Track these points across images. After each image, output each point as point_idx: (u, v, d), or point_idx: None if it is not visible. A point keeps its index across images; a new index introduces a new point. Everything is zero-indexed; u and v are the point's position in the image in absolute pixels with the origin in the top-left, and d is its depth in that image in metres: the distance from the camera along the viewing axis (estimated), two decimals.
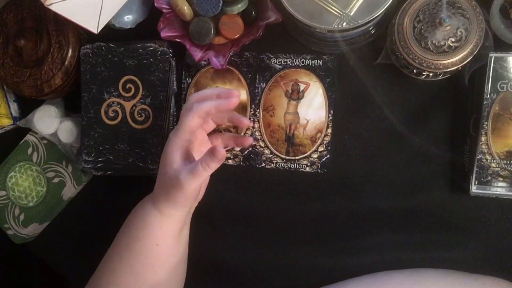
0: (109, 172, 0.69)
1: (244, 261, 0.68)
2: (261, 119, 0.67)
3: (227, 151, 0.67)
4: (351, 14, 0.56)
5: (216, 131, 0.67)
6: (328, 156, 0.65)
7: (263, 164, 0.67)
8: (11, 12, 0.70)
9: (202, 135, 0.62)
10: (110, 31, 0.70)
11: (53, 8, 0.60)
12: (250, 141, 0.61)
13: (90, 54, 0.68)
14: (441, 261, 0.62)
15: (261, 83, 0.67)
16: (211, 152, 0.51)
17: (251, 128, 0.67)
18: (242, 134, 0.68)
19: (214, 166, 0.52)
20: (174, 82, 0.69)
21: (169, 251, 0.58)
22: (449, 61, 0.56)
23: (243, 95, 0.68)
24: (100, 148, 0.68)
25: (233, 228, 0.69)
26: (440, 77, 0.62)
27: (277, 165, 0.67)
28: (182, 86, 0.70)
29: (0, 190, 0.75)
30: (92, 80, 0.68)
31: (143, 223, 0.58)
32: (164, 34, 0.65)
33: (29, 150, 0.74)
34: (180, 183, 0.53)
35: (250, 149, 0.68)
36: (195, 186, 0.54)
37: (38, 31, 0.69)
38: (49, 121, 0.71)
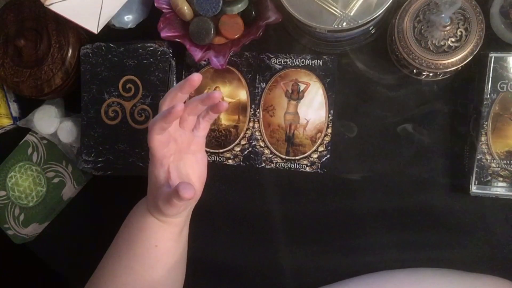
0: (109, 172, 0.69)
1: (244, 261, 0.68)
2: (261, 119, 0.67)
3: (227, 150, 0.67)
4: (351, 14, 0.56)
5: (208, 137, 0.66)
6: (328, 156, 0.65)
7: (263, 164, 0.67)
8: (11, 12, 0.70)
9: (185, 134, 0.56)
10: (110, 31, 0.70)
11: (53, 8, 0.60)
12: (218, 95, 0.52)
13: (90, 54, 0.68)
14: (441, 261, 0.62)
15: (261, 83, 0.67)
16: (175, 194, 0.48)
17: (251, 128, 0.67)
18: (242, 133, 0.68)
19: (187, 203, 0.51)
20: (174, 82, 0.69)
21: (168, 251, 0.58)
22: (449, 61, 0.56)
23: (243, 95, 0.68)
24: (100, 148, 0.68)
25: (233, 228, 0.69)
26: (440, 77, 0.62)
27: (277, 165, 0.67)
28: None
29: (0, 190, 0.75)
30: (92, 80, 0.68)
31: (141, 225, 0.58)
32: (164, 34, 0.65)
33: (29, 150, 0.74)
34: (163, 209, 0.53)
35: (250, 149, 0.68)
36: (175, 213, 0.54)
37: (38, 31, 0.69)
38: (49, 121, 0.71)
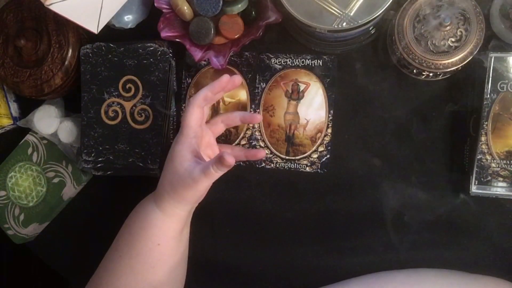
0: (109, 172, 0.69)
1: (244, 261, 0.68)
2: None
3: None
4: (351, 14, 0.56)
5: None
6: (328, 156, 0.65)
7: (263, 164, 0.67)
8: (11, 12, 0.70)
9: (209, 136, 0.63)
10: (110, 31, 0.70)
11: (53, 8, 0.60)
12: (262, 153, 0.61)
13: (90, 54, 0.68)
14: (441, 261, 0.62)
15: (261, 83, 0.67)
16: (219, 159, 0.50)
17: (251, 127, 0.67)
18: (242, 134, 0.68)
19: (224, 170, 0.53)
20: (174, 82, 0.69)
21: (170, 251, 0.58)
22: (449, 61, 0.56)
23: (243, 95, 0.68)
24: (100, 148, 0.68)
25: (233, 228, 0.69)
26: (440, 77, 0.62)
27: (277, 165, 0.67)
28: (182, 86, 0.70)
29: (0, 190, 0.75)
30: (92, 80, 0.68)
31: (144, 223, 0.58)
32: (164, 34, 0.65)
33: (29, 150, 0.74)
34: (194, 181, 0.54)
35: (250, 149, 0.68)
36: (207, 185, 0.55)
37: (38, 31, 0.69)
38: (49, 121, 0.71)
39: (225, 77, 0.57)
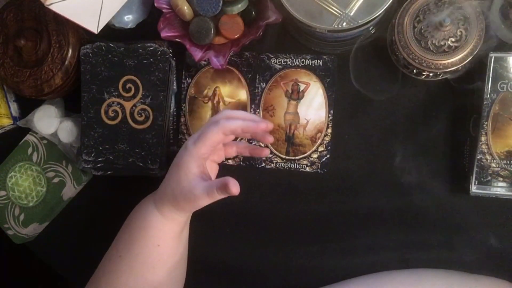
0: (109, 172, 0.69)
1: (244, 261, 0.68)
2: None
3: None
4: (351, 14, 0.56)
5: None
6: (328, 156, 0.65)
7: (263, 164, 0.67)
8: (11, 12, 0.70)
9: (219, 146, 0.61)
10: (110, 31, 0.70)
11: (53, 8, 0.60)
12: (266, 152, 0.60)
13: (90, 54, 0.68)
14: (441, 261, 0.62)
15: (261, 83, 0.67)
16: (224, 187, 0.50)
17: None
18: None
19: (233, 195, 0.52)
20: (174, 82, 0.69)
21: (169, 251, 0.58)
22: (449, 61, 0.56)
23: (243, 95, 0.68)
24: (100, 148, 0.68)
25: (233, 228, 0.69)
26: (440, 77, 0.62)
27: (277, 165, 0.67)
28: (182, 86, 0.70)
29: (0, 190, 0.75)
30: (92, 80, 0.68)
31: (144, 224, 0.58)
32: (164, 34, 0.65)
33: (29, 150, 0.74)
34: (195, 198, 0.53)
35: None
36: (206, 203, 0.54)
37: (38, 31, 0.69)
38: (49, 121, 0.71)
39: (263, 124, 0.53)
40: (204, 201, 0.53)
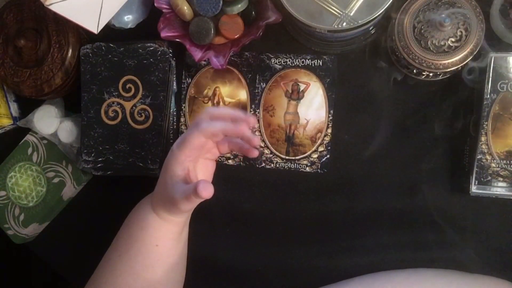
0: (109, 172, 0.69)
1: (244, 261, 0.68)
2: (261, 119, 0.67)
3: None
4: (351, 14, 0.56)
5: None
6: (328, 156, 0.65)
7: (263, 164, 0.67)
8: (11, 12, 0.70)
9: (210, 144, 0.59)
10: (110, 31, 0.70)
11: (53, 8, 0.60)
12: (255, 153, 0.56)
13: (90, 54, 0.68)
14: (441, 261, 0.62)
15: (261, 83, 0.67)
16: (194, 191, 0.48)
17: (251, 128, 0.67)
18: None
19: (205, 197, 0.50)
20: (174, 82, 0.69)
21: (168, 251, 0.58)
22: (449, 61, 0.56)
23: (243, 95, 0.68)
24: (100, 148, 0.68)
25: (233, 228, 0.69)
26: (440, 77, 0.62)
27: (277, 165, 0.67)
28: (182, 86, 0.70)
29: (0, 190, 0.75)
30: (92, 80, 0.68)
31: (142, 224, 0.58)
32: (164, 34, 0.65)
33: (29, 150, 0.74)
34: (176, 202, 0.53)
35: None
36: (189, 208, 0.54)
37: (38, 31, 0.69)
38: (49, 121, 0.71)
39: (244, 128, 0.51)
40: (184, 205, 0.52)
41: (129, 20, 0.69)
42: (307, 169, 0.66)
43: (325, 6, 0.57)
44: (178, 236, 0.59)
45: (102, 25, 0.65)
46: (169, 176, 0.54)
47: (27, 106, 0.75)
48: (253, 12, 0.64)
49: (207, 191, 0.48)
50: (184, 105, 0.70)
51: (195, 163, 0.56)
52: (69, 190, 0.74)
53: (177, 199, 0.52)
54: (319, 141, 0.66)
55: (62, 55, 0.68)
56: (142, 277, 0.57)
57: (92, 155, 0.68)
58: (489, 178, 0.59)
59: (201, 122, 0.52)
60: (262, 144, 0.67)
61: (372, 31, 0.63)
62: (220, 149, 0.59)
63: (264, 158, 0.67)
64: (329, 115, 0.65)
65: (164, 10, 0.65)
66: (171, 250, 0.58)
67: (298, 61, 0.66)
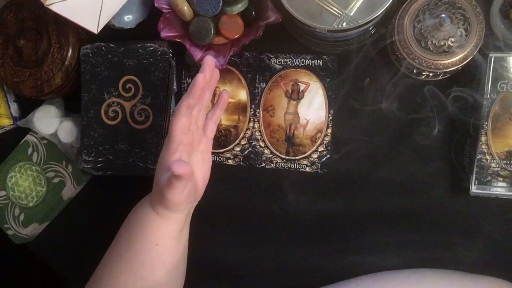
0: (109, 172, 0.69)
1: (244, 261, 0.68)
2: (261, 119, 0.67)
3: (227, 150, 0.68)
4: (351, 14, 0.56)
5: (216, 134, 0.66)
6: (328, 156, 0.65)
7: (263, 164, 0.67)
8: (11, 12, 0.70)
9: (198, 130, 0.59)
10: (110, 31, 0.70)
11: (53, 8, 0.60)
12: (225, 97, 0.59)
13: (90, 54, 0.68)
14: (441, 261, 0.62)
15: (261, 83, 0.67)
16: (171, 171, 0.48)
17: (251, 128, 0.67)
18: (242, 133, 0.68)
19: (180, 181, 0.50)
20: (174, 82, 0.69)
21: (169, 251, 0.58)
22: (449, 61, 0.56)
23: (243, 95, 0.68)
24: (100, 148, 0.68)
25: (233, 228, 0.69)
26: (440, 77, 0.62)
27: (277, 165, 0.67)
28: (182, 86, 0.70)
29: (0, 190, 0.75)
30: (92, 80, 0.68)
31: (142, 223, 0.58)
32: (164, 34, 0.65)
33: (29, 150, 0.74)
34: (161, 191, 0.53)
35: (250, 149, 0.68)
36: (177, 195, 0.53)
37: (38, 31, 0.69)
38: (49, 121, 0.71)
39: (200, 77, 0.52)
40: (169, 192, 0.52)
41: (129, 20, 0.69)
42: (307, 169, 0.66)
43: (325, 6, 0.57)
44: (178, 235, 0.59)
45: (102, 25, 0.65)
46: (159, 170, 0.55)
47: (27, 106, 0.75)
48: (253, 12, 0.64)
49: (181, 168, 0.48)
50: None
51: (190, 155, 0.57)
52: (69, 190, 0.74)
53: (161, 187, 0.53)
54: (319, 141, 0.66)
55: (62, 55, 0.68)
56: (143, 277, 0.57)
57: (92, 155, 0.68)
58: (489, 178, 0.59)
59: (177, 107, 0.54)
60: (262, 144, 0.67)
61: (372, 31, 0.63)
62: (209, 131, 0.59)
63: (264, 158, 0.67)
64: (329, 115, 0.65)
65: (164, 10, 0.65)
66: (171, 250, 0.58)
67: (298, 61, 0.66)
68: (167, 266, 0.58)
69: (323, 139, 0.66)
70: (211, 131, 0.60)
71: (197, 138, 0.58)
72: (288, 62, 0.67)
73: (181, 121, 0.53)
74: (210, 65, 0.54)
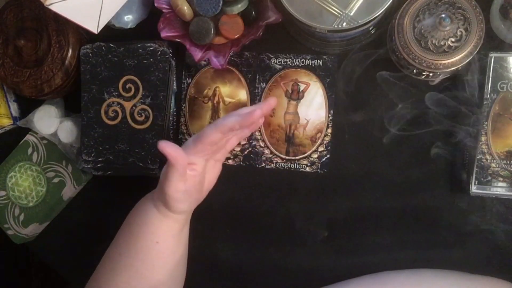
0: (109, 172, 0.69)
1: (244, 261, 0.68)
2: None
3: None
4: (351, 14, 0.56)
5: None
6: (328, 156, 0.65)
7: (263, 164, 0.67)
8: (11, 12, 0.70)
9: (222, 144, 0.59)
10: (110, 31, 0.70)
11: (53, 8, 0.60)
12: (273, 103, 0.55)
13: (90, 54, 0.68)
14: (441, 261, 0.62)
15: (261, 83, 0.67)
16: (163, 153, 0.50)
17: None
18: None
19: (174, 167, 0.51)
20: (174, 82, 0.69)
21: (169, 249, 0.58)
22: (449, 61, 0.56)
23: (243, 95, 0.68)
24: (100, 148, 0.68)
25: (233, 228, 0.69)
26: (440, 77, 0.62)
27: (277, 165, 0.67)
28: (182, 86, 0.70)
29: (0, 190, 0.75)
30: (92, 80, 0.68)
31: (143, 221, 0.58)
32: (164, 34, 0.65)
33: (29, 150, 0.74)
34: (160, 186, 0.54)
35: (250, 149, 0.68)
36: (172, 188, 0.53)
37: (38, 31, 0.69)
38: (49, 121, 0.71)
39: (257, 113, 0.51)
40: (165, 184, 0.53)
41: (129, 20, 0.69)
42: (307, 169, 0.66)
43: (325, 6, 0.57)
44: (178, 234, 0.59)
45: (102, 25, 0.65)
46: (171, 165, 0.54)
47: (27, 106, 0.75)
48: (253, 12, 0.64)
49: (169, 147, 0.49)
50: (184, 105, 0.70)
51: (207, 161, 0.57)
52: (69, 190, 0.74)
53: (160, 181, 0.54)
54: (319, 141, 0.66)
55: (62, 55, 0.68)
56: (143, 276, 0.57)
57: (92, 155, 0.68)
58: (489, 178, 0.59)
59: (219, 120, 0.53)
60: (262, 144, 0.67)
61: (372, 31, 0.63)
62: (230, 145, 0.60)
63: (264, 158, 0.67)
64: (329, 115, 0.65)
65: (164, 10, 0.65)
66: (171, 248, 0.58)
67: (298, 61, 0.66)
68: (168, 265, 0.58)
69: (323, 139, 0.66)
70: (231, 145, 0.60)
71: (218, 149, 0.58)
72: (288, 62, 0.67)
73: (216, 136, 0.53)
74: (271, 106, 0.54)
